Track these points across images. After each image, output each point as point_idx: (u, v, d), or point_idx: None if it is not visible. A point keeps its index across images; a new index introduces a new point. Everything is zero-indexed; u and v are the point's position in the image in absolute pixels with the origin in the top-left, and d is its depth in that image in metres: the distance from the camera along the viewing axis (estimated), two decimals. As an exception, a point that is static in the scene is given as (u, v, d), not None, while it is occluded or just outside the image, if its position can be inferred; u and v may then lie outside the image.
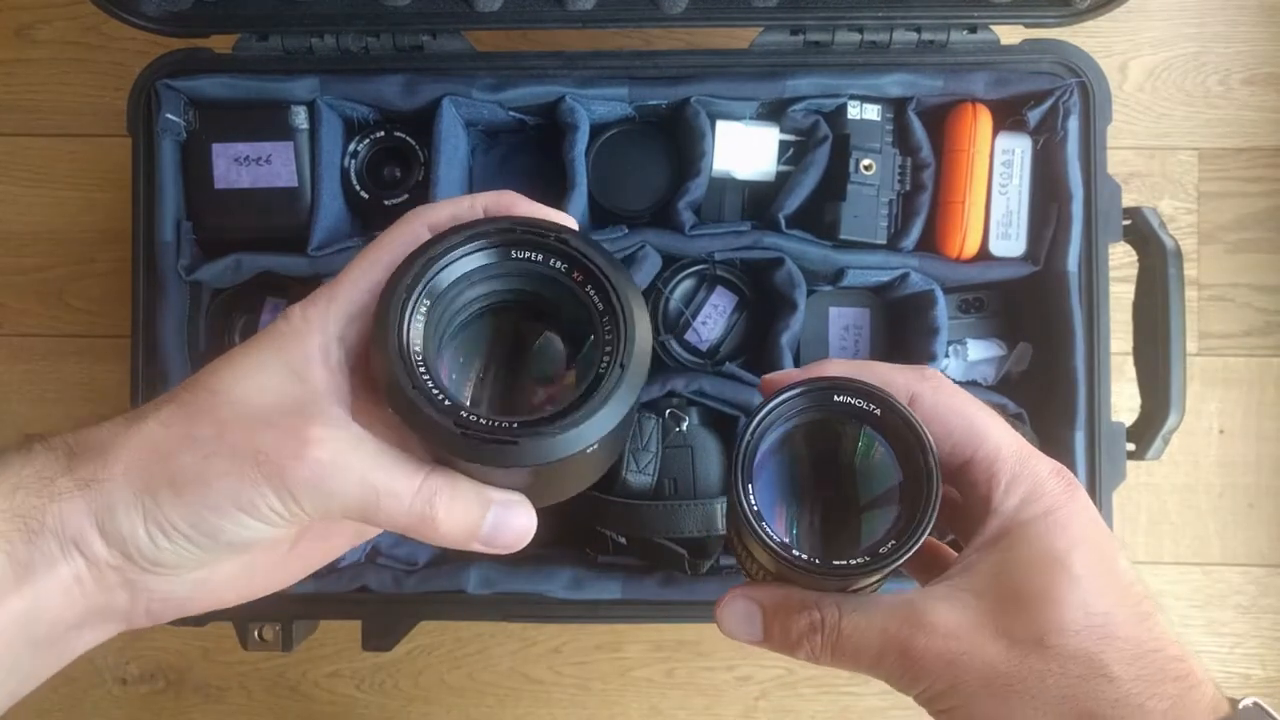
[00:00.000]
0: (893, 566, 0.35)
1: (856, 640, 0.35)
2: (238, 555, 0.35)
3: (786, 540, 0.35)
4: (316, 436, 0.33)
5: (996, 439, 0.37)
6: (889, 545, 0.35)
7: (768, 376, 0.40)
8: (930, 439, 0.35)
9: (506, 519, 0.35)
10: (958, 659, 0.33)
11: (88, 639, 0.36)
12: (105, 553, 0.33)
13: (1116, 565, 0.35)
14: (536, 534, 0.37)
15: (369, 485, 0.33)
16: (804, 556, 0.35)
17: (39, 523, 0.33)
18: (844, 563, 0.35)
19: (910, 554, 0.34)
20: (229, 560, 0.36)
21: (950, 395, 0.37)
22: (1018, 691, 0.33)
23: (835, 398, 0.36)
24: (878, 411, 0.36)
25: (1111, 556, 0.35)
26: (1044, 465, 0.36)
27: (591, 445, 0.32)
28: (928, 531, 0.34)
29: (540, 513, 0.37)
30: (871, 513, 0.38)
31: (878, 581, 0.37)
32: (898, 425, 0.36)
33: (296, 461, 0.32)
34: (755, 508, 0.35)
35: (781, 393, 0.37)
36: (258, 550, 0.36)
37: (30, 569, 0.33)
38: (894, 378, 0.38)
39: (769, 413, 0.36)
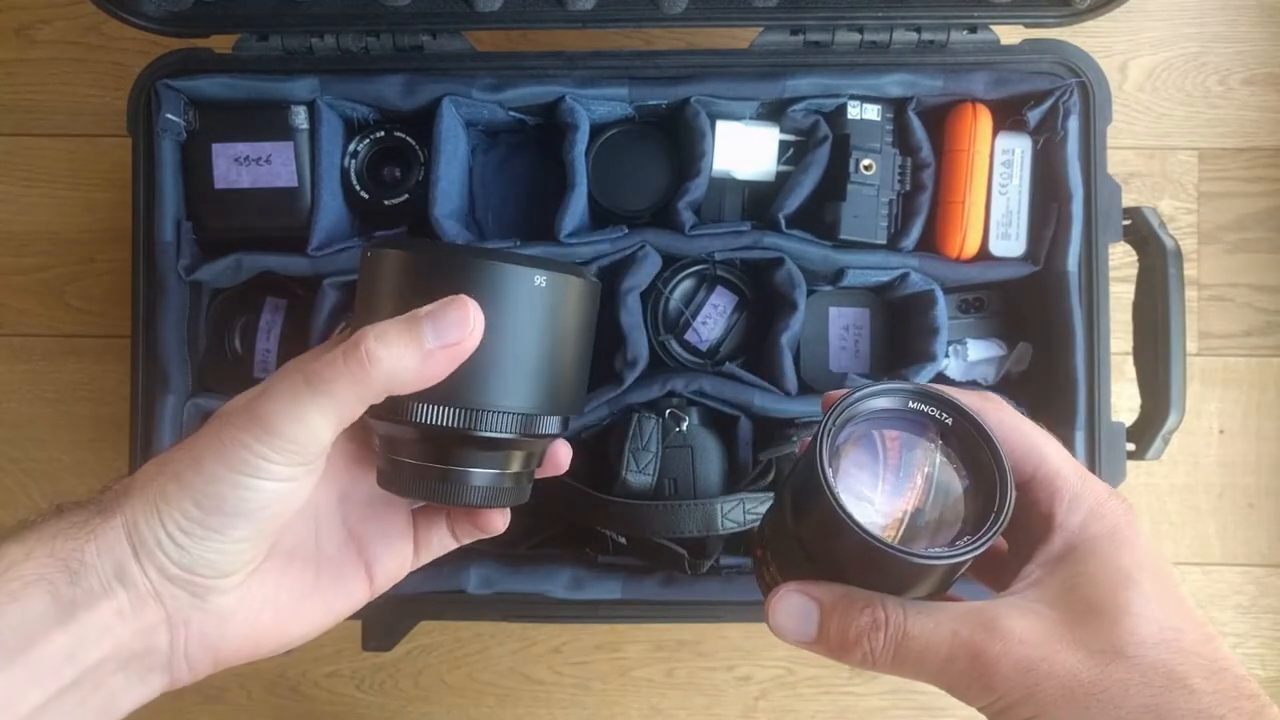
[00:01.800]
0: (974, 553, 0.34)
1: (924, 642, 0.34)
2: (258, 535, 0.36)
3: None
4: (270, 388, 0.35)
5: (1057, 459, 0.37)
6: (965, 539, 0.35)
7: (831, 394, 0.41)
8: (1000, 443, 0.36)
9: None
10: (1036, 666, 0.33)
11: (133, 694, 0.36)
12: (143, 578, 0.35)
13: (1179, 588, 0.35)
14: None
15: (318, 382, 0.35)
16: (892, 541, 0.34)
17: (79, 561, 0.34)
18: (930, 550, 0.34)
19: (988, 542, 0.34)
20: (254, 545, 0.36)
21: (1011, 415, 0.38)
22: (1100, 701, 0.32)
23: (910, 403, 0.37)
24: (949, 420, 0.37)
25: (1174, 579, 0.35)
26: (1101, 485, 0.37)
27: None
28: (1005, 522, 0.35)
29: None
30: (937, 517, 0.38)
31: (942, 582, 0.37)
32: (968, 432, 0.37)
33: (260, 401, 0.35)
34: (838, 491, 0.35)
35: (863, 390, 0.37)
36: (275, 531, 0.37)
37: (74, 605, 0.34)
38: (958, 397, 0.38)
39: (850, 405, 0.37)
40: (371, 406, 0.36)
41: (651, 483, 0.70)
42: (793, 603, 0.36)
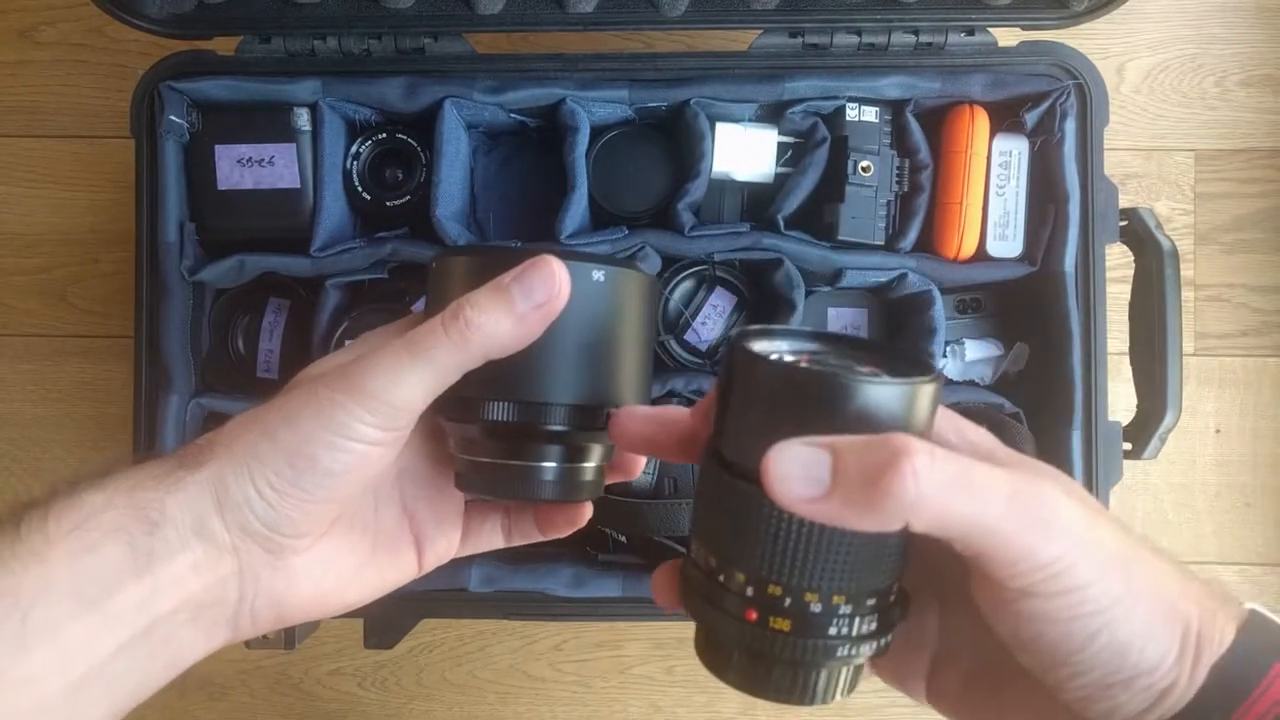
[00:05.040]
0: (932, 381, 0.31)
1: (985, 471, 0.29)
2: (339, 498, 0.37)
3: None
4: (367, 354, 0.36)
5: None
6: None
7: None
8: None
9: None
10: (1095, 522, 0.30)
11: (199, 646, 0.37)
12: (224, 533, 0.36)
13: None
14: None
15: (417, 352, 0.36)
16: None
17: (159, 513, 0.35)
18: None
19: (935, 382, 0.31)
20: (334, 507, 0.38)
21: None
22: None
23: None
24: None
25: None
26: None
27: None
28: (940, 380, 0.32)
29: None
30: None
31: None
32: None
33: (358, 365, 0.36)
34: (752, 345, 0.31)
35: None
36: (352, 492, 0.37)
37: (151, 557, 0.34)
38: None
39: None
40: (445, 409, 0.38)
41: (651, 482, 0.70)
42: (795, 451, 0.29)
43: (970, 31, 0.71)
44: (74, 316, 0.91)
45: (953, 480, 0.28)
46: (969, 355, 0.76)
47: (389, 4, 0.69)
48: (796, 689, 0.32)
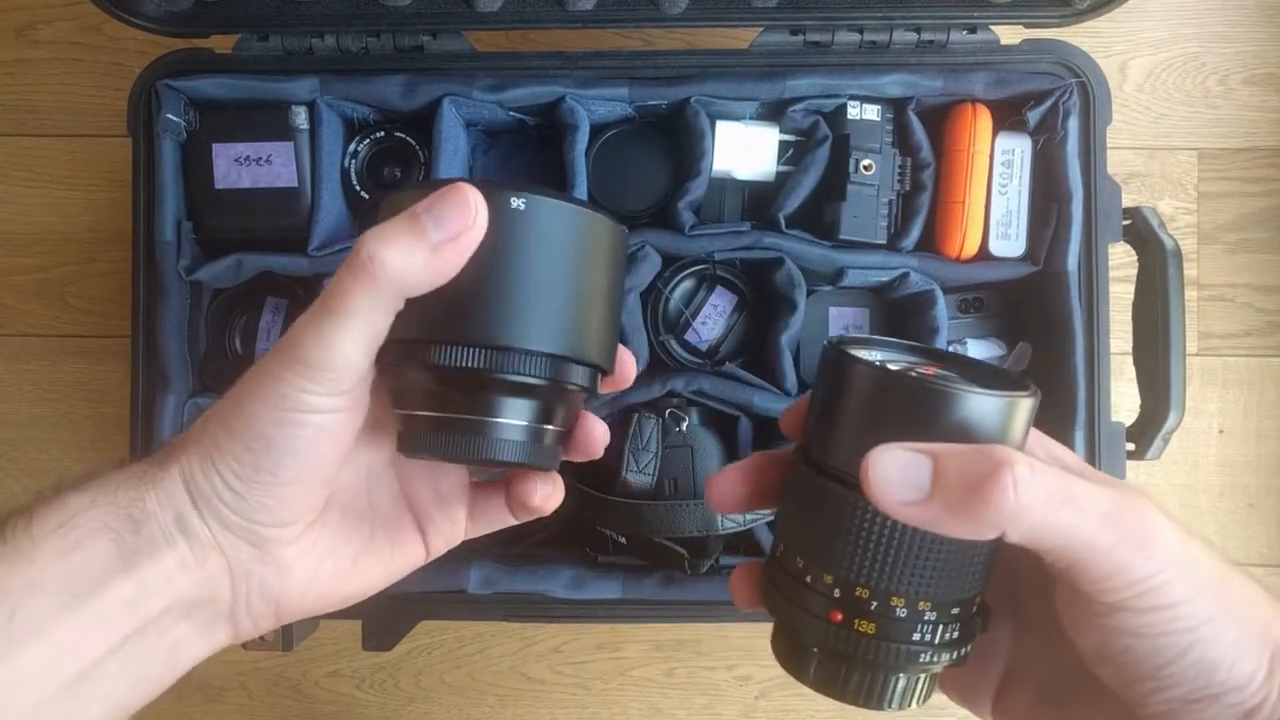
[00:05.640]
0: (1033, 398, 0.32)
1: (1086, 487, 0.29)
2: (309, 477, 0.36)
3: None
4: (297, 321, 0.35)
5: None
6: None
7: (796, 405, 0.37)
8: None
9: None
10: (1189, 543, 0.30)
11: (197, 646, 0.37)
12: (203, 528, 0.35)
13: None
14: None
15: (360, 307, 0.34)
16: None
17: (141, 510, 0.35)
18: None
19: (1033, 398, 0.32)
20: (308, 490, 0.36)
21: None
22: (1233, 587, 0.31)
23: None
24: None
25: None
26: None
27: None
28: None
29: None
30: None
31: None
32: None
33: (289, 335, 0.34)
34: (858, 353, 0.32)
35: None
36: (326, 467, 0.36)
37: (137, 553, 0.34)
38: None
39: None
40: (384, 356, 0.35)
41: (651, 482, 0.70)
42: (896, 455, 0.29)
43: (972, 29, 0.71)
44: (71, 316, 0.91)
45: (1053, 493, 0.28)
46: (971, 355, 0.75)
47: (387, 1, 0.69)
48: (875, 693, 0.33)
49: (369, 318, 0.33)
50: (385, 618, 0.71)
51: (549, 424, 0.38)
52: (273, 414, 0.34)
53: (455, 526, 0.42)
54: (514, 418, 0.36)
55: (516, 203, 0.35)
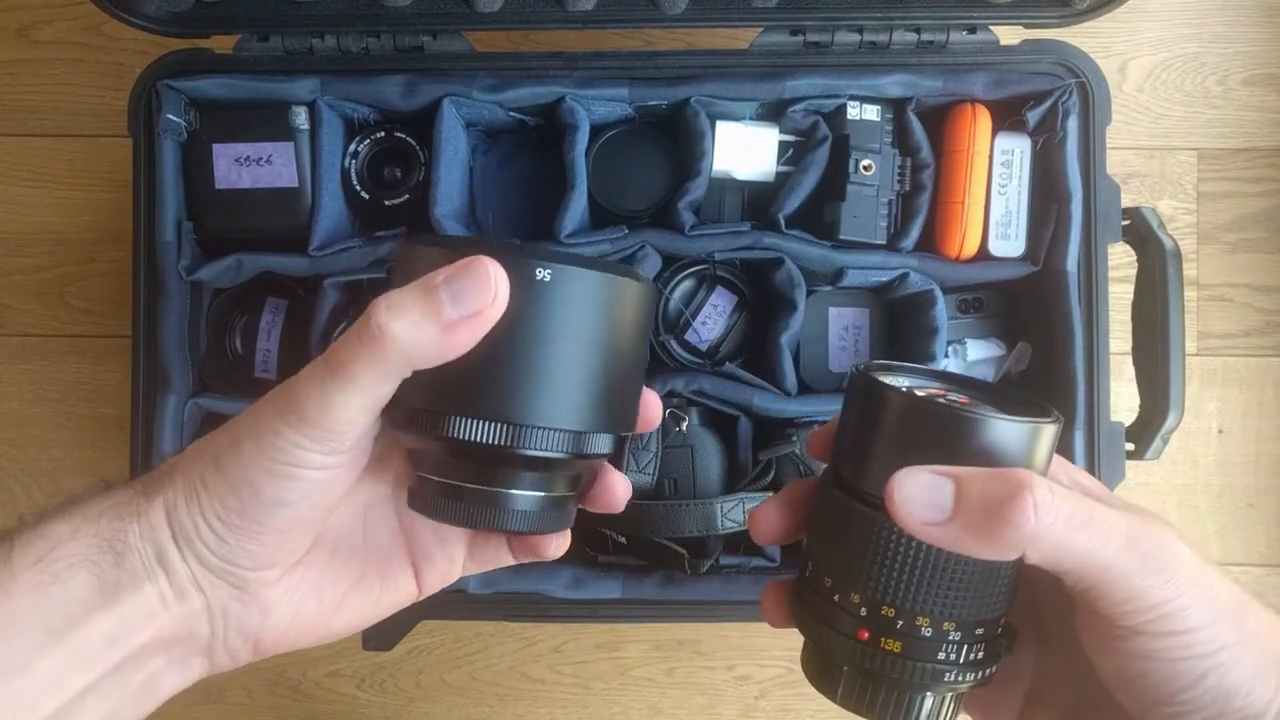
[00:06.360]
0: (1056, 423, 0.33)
1: (1105, 511, 0.30)
2: (297, 527, 0.35)
3: None
4: (302, 372, 0.33)
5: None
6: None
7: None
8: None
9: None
10: (1208, 568, 0.30)
11: (173, 680, 0.36)
12: (182, 566, 0.34)
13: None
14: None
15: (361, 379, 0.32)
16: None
17: (123, 544, 0.34)
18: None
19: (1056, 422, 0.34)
20: (294, 538, 0.35)
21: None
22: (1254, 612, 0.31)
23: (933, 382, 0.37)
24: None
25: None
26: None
27: None
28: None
29: None
30: None
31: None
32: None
33: (292, 386, 0.33)
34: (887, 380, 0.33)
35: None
36: (312, 522, 0.35)
37: (118, 588, 0.33)
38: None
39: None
40: (395, 416, 0.34)
41: (651, 482, 0.70)
42: (919, 477, 0.30)
43: (972, 29, 0.71)
44: (71, 316, 0.91)
45: (1073, 516, 0.29)
46: (971, 355, 0.76)
47: (388, 2, 0.69)
48: (902, 712, 0.34)
49: (372, 387, 0.32)
50: (385, 618, 0.71)
51: (566, 491, 0.37)
52: (265, 464, 0.33)
53: (453, 566, 0.41)
54: (530, 489, 0.35)
55: (542, 274, 0.33)
